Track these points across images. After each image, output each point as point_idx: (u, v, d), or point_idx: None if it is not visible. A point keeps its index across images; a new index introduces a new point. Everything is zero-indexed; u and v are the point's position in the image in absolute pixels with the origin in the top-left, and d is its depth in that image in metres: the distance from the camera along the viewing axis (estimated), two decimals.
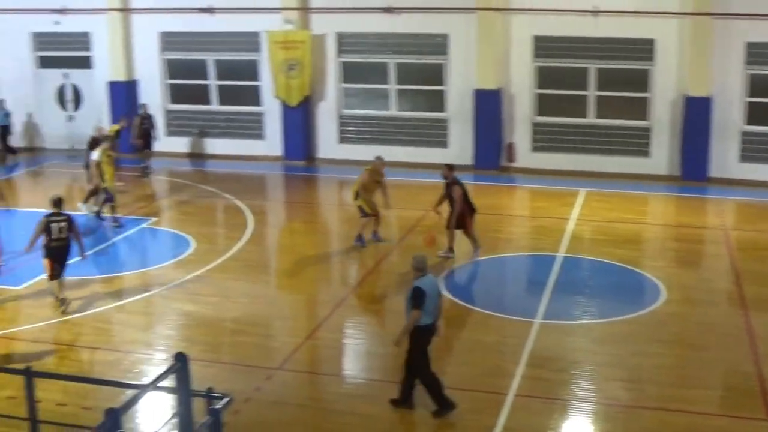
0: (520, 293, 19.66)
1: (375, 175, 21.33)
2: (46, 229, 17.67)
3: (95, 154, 23.53)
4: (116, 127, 27.59)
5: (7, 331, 16.99)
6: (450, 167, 20.33)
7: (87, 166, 24.71)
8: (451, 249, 20.33)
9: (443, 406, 13.50)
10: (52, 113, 33.11)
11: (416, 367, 13.46)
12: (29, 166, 30.88)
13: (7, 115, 32.13)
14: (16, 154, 31.93)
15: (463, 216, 20.09)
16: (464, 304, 17.80)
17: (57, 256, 17.82)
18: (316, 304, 18.77)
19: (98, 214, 23.64)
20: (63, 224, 17.81)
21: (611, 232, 22.40)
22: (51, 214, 17.88)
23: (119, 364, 15.50)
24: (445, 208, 20.47)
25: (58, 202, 18.07)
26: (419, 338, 13.34)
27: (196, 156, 31.35)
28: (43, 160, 31.56)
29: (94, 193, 23.92)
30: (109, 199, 23.38)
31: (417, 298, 13.04)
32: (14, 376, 9.21)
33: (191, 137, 31.59)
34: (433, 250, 19.58)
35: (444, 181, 20.28)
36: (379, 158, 21.79)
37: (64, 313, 17.57)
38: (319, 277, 20.20)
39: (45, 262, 17.85)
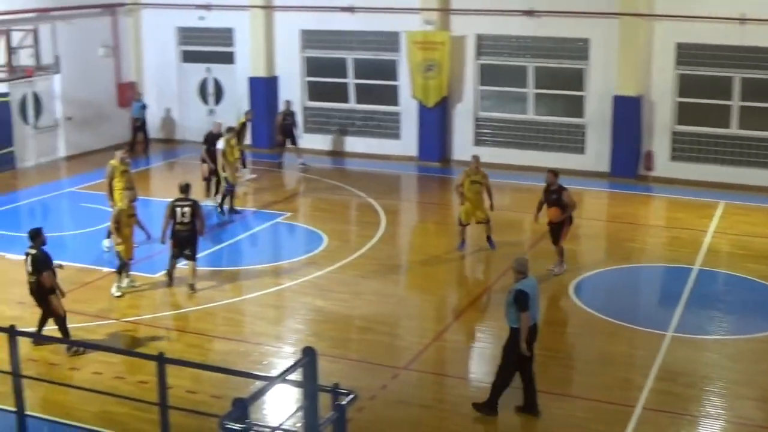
0: (653, 305, 19.30)
1: (471, 175, 20.71)
2: (172, 212, 18.51)
3: (220, 146, 24.01)
4: (242, 120, 27.97)
5: (141, 317, 17.42)
6: (555, 173, 19.52)
7: (203, 161, 25.00)
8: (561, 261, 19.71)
9: (490, 407, 13.51)
10: (193, 107, 33.80)
11: (503, 366, 13.47)
12: (168, 158, 31.56)
13: (143, 107, 32.80)
14: (149, 147, 32.66)
15: (562, 225, 19.40)
16: (595, 313, 17.54)
17: (180, 240, 18.64)
18: (444, 305, 18.75)
19: (220, 207, 24.01)
20: (187, 209, 18.55)
21: (750, 247, 21.77)
22: (177, 199, 18.73)
23: (249, 355, 15.75)
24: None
25: (185, 188, 18.92)
26: (516, 340, 13.28)
27: (332, 153, 31.60)
28: (181, 153, 32.22)
29: (216, 184, 24.34)
30: (230, 190, 23.85)
31: (522, 301, 13.01)
32: (147, 362, 9.40)
33: (329, 134, 31.84)
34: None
35: (548, 187, 19.41)
36: (475, 157, 21.21)
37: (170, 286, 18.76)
38: (449, 278, 20.16)
39: (170, 243, 18.75)
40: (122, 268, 18.45)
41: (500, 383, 13.49)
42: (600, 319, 17.29)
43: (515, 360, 13.33)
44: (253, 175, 27.67)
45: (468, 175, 20.62)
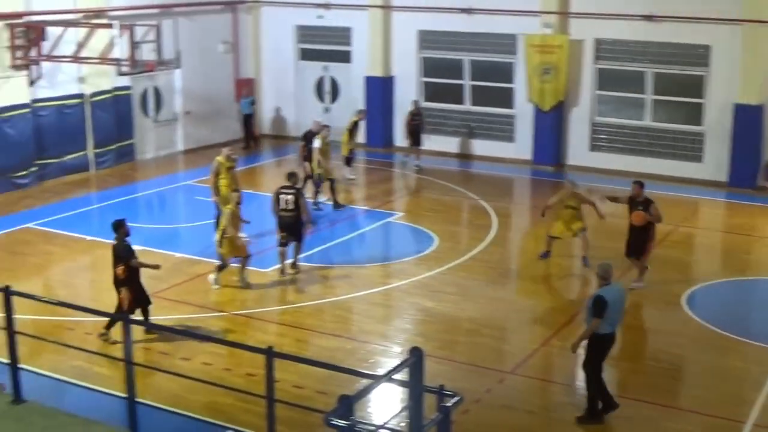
0: None
1: (566, 200, 19.85)
2: (276, 199, 19.14)
3: (316, 143, 24.18)
4: (354, 118, 28.10)
5: (251, 310, 17.63)
6: (641, 184, 18.78)
7: (304, 158, 25.02)
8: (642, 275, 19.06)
9: (594, 416, 13.43)
10: (309, 104, 34.09)
11: (589, 375, 13.34)
12: (280, 155, 31.82)
13: (252, 103, 33.24)
14: (257, 145, 32.96)
15: (646, 237, 18.72)
16: (708, 325, 17.15)
17: (284, 226, 19.26)
18: (554, 311, 18.54)
19: (316, 204, 24.22)
20: (290, 197, 19.07)
21: None
22: (282, 187, 19.30)
23: (356, 352, 15.82)
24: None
25: (290, 176, 19.54)
26: (598, 347, 13.19)
27: (446, 155, 31.51)
28: (294, 150, 32.50)
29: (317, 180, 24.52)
30: (317, 185, 24.33)
31: (598, 308, 12.88)
32: (255, 355, 9.50)
33: (443, 135, 31.80)
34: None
35: (634, 198, 18.61)
36: (571, 182, 20.29)
37: (283, 273, 19.41)
38: (560, 284, 19.97)
39: (277, 231, 19.44)
40: (222, 268, 18.64)
41: (593, 392, 13.41)
42: (712, 331, 16.91)
43: (597, 363, 13.29)
44: (353, 176, 27.71)
45: (562, 200, 19.93)
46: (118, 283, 15.68)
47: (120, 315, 14.54)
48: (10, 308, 9.90)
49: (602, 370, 13.39)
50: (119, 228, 15.74)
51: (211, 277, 18.70)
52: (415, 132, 29.33)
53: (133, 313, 15.65)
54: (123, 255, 15.61)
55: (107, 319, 15.20)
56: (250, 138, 33.13)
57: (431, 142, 31.27)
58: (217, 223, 19.04)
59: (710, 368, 15.56)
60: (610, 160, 28.85)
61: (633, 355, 16.12)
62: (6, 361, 10.10)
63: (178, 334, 15.34)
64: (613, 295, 13.05)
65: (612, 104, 29.49)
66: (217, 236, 18.60)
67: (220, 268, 18.56)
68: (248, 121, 33.16)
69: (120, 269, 15.57)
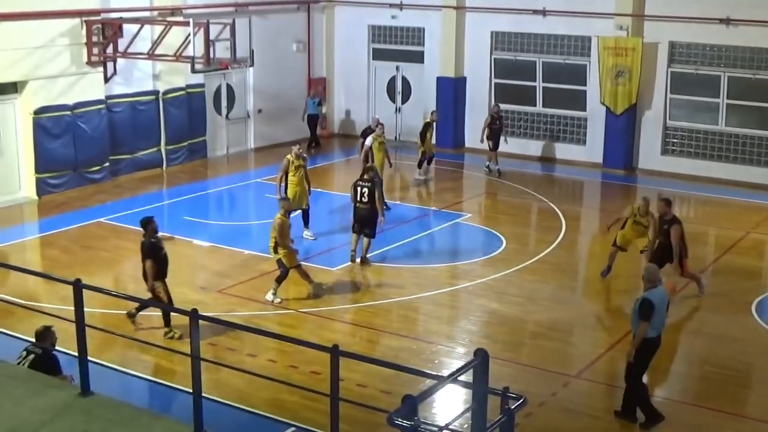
0: None
1: (637, 216, 18.84)
2: (354, 192, 19.95)
3: (369, 141, 24.29)
4: (428, 119, 28.09)
5: (318, 309, 17.72)
6: (668, 202, 18.38)
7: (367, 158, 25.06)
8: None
9: (652, 418, 13.36)
10: (381, 104, 34.16)
11: (633, 378, 13.30)
12: (350, 154, 31.83)
13: (318, 104, 32.78)
14: (320, 146, 32.64)
15: (680, 257, 18.15)
16: None
17: (357, 218, 19.99)
18: (620, 315, 18.31)
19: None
20: (366, 189, 19.79)
21: None
22: (359, 179, 20.15)
23: (421, 353, 15.84)
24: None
25: (368, 170, 20.55)
26: (645, 351, 13.11)
27: (517, 157, 31.29)
28: None
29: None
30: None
31: (646, 311, 12.84)
32: (320, 353, 9.55)
33: (515, 137, 31.67)
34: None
35: (662, 216, 18.26)
36: (645, 200, 18.96)
37: (353, 261, 20.09)
38: (627, 288, 19.70)
39: (351, 221, 20.21)
40: (283, 277, 18.05)
41: (630, 390, 13.43)
42: None
43: (640, 367, 13.26)
44: (422, 177, 27.69)
45: (634, 214, 18.96)
46: (146, 278, 16.00)
47: (188, 311, 14.68)
48: (80, 301, 10.05)
49: (643, 377, 13.35)
50: (147, 225, 16.01)
51: (269, 295, 18.03)
52: (494, 136, 28.94)
53: (171, 303, 15.97)
54: (147, 252, 15.93)
55: (174, 314, 15.37)
56: (314, 139, 32.57)
57: (504, 144, 31.18)
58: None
59: None
60: (681, 165, 28.54)
61: (700, 362, 15.96)
62: (75, 353, 10.25)
63: (246, 330, 15.43)
64: (659, 298, 13.02)
65: (685, 108, 29.13)
66: (270, 243, 18.16)
67: (279, 280, 17.96)
68: (313, 121, 32.76)
69: (148, 264, 15.88)
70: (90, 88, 25.92)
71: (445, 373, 13.22)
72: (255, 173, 28.63)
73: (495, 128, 28.88)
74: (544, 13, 30.17)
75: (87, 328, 10.19)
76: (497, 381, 9.53)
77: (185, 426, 9.60)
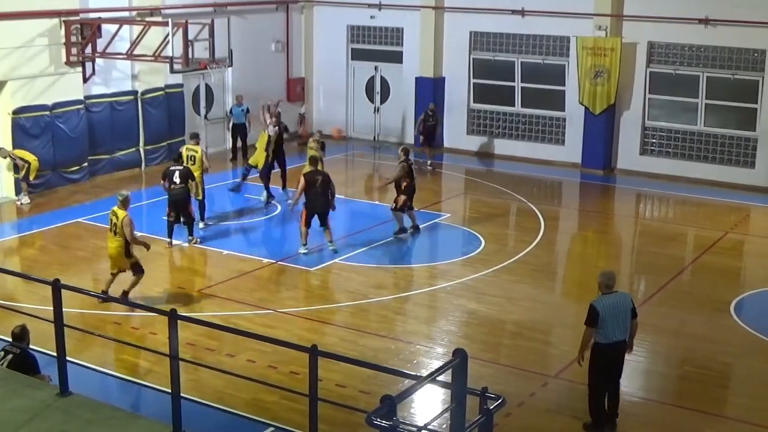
0: None
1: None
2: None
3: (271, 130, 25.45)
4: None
5: (297, 309, 17.70)
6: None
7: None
8: None
9: (596, 426, 13.23)
10: (360, 104, 34.17)
11: (589, 384, 13.20)
12: (332, 153, 31.74)
13: (246, 111, 30.40)
14: (236, 160, 30.55)
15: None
16: (756, 333, 16.89)
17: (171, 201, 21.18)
18: None
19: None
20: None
21: None
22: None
23: (399, 353, 15.84)
24: None
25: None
26: (594, 357, 12.99)
27: (494, 156, 31.44)
28: (348, 149, 32.63)
29: None
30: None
31: (589, 316, 12.76)
32: (299, 353, 9.56)
33: (492, 137, 31.76)
34: None
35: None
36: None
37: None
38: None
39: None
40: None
41: (589, 398, 13.28)
42: (761, 339, 16.70)
43: (595, 373, 13.07)
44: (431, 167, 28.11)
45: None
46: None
47: (166, 312, 14.64)
48: (59, 301, 10.02)
49: (599, 384, 13.15)
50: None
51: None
52: (428, 132, 29.53)
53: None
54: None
55: (153, 314, 15.31)
56: (235, 152, 30.71)
57: (480, 144, 31.24)
58: None
59: (758, 377, 15.38)
60: (660, 165, 28.64)
61: (679, 362, 15.99)
62: (54, 353, 10.23)
63: (224, 330, 15.38)
64: (609, 305, 12.78)
65: (664, 108, 29.23)
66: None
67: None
68: (238, 131, 30.54)
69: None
70: (69, 88, 25.81)
71: (424, 373, 13.24)
72: (234, 173, 28.53)
73: (429, 125, 29.42)
74: (522, 13, 30.22)
75: (66, 328, 10.16)
76: (476, 381, 9.55)
77: (164, 426, 9.59)
